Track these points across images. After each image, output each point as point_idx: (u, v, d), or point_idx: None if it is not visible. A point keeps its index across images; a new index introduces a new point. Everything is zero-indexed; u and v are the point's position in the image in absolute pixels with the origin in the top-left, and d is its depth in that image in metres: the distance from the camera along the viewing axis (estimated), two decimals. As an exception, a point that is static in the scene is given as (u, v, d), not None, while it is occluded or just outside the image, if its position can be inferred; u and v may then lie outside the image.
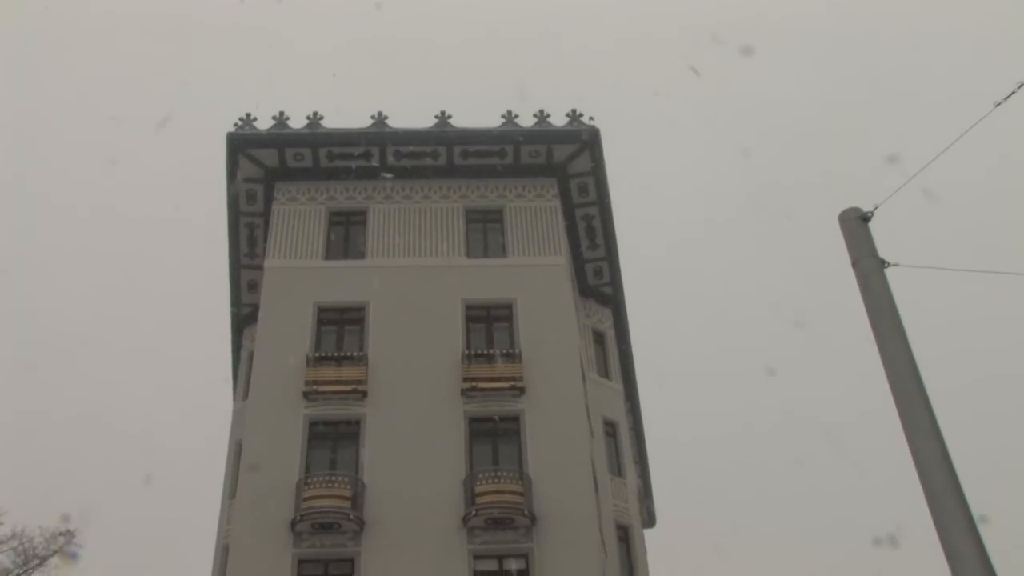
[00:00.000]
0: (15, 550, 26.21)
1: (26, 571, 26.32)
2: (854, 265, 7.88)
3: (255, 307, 29.13)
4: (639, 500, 32.22)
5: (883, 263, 7.76)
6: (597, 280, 32.60)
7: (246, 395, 27.69)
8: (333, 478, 24.16)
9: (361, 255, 28.67)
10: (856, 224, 8.05)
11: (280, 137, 29.32)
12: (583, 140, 29.82)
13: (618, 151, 47.06)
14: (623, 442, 30.72)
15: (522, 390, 25.66)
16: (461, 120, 29.85)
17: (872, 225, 8.05)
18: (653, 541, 34.08)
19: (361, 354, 26.36)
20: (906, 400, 6.96)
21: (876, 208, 8.07)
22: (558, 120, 30.10)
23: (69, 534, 26.92)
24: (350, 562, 23.33)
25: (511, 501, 23.56)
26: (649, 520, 36.98)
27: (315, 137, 29.28)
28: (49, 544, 26.62)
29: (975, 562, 6.16)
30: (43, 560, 26.41)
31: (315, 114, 29.76)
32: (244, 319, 31.25)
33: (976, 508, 6.43)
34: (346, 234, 29.30)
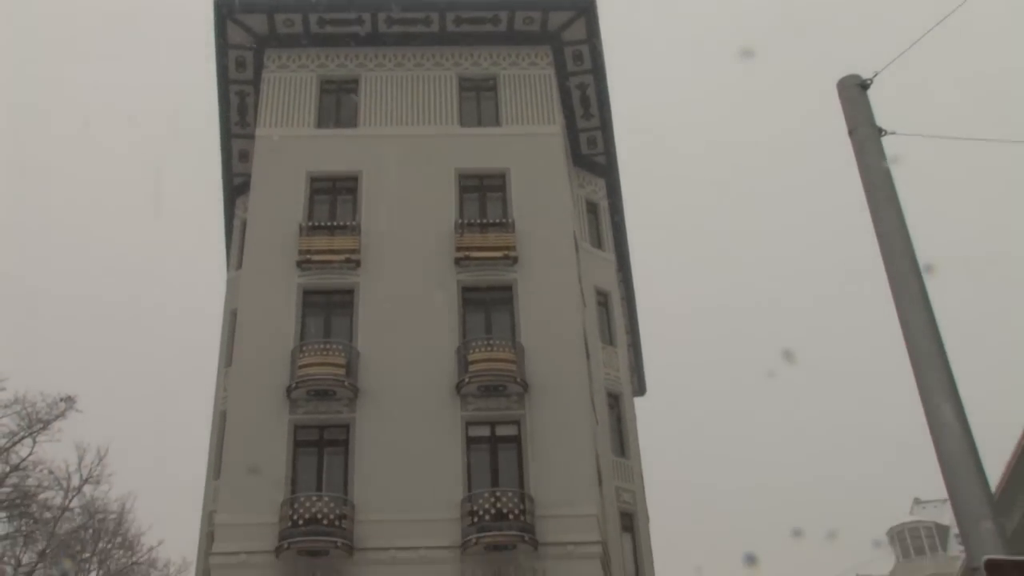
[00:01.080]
0: (19, 414, 26.72)
1: (31, 434, 26.87)
2: (851, 133, 7.80)
3: (247, 177, 28.93)
4: (630, 369, 32.75)
5: (880, 131, 7.69)
6: (591, 150, 32.35)
7: (239, 264, 27.78)
8: (327, 346, 24.43)
9: (353, 124, 28.35)
10: (855, 91, 7.93)
11: (270, 2, 28.61)
12: (579, 7, 29.16)
13: (612, 14, 46.07)
14: (615, 312, 31.03)
15: (515, 259, 25.74)
16: (454, -15, 29.11)
17: (871, 93, 7.94)
18: (643, 409, 34.81)
19: (354, 223, 26.33)
20: (897, 271, 6.98)
21: (875, 76, 7.94)
22: (553, -14, 29.36)
23: (70, 400, 27.39)
24: (345, 428, 23.80)
25: (503, 369, 23.90)
26: (639, 388, 37.67)
27: (306, 2, 28.58)
28: (51, 409, 27.12)
29: (956, 427, 6.27)
30: (46, 424, 26.95)
31: (304, -22, 28.97)
32: (236, 189, 31.10)
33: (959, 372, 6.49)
34: (338, 103, 28.91)
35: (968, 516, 6.17)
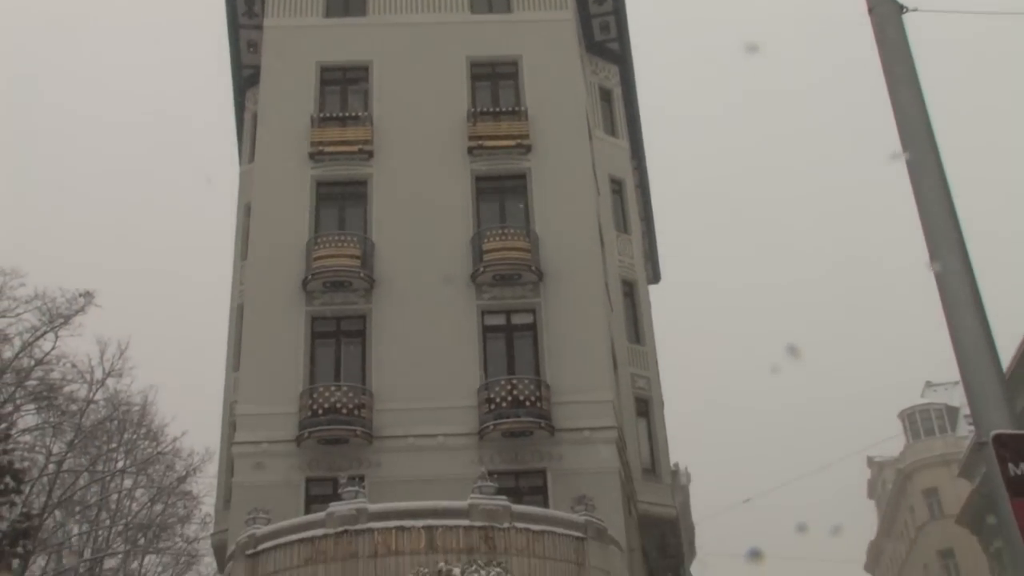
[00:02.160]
0: (39, 310, 27.04)
1: (52, 329, 27.23)
2: (870, 12, 7.60)
3: (256, 68, 28.57)
4: (644, 257, 32.77)
5: (901, 8, 7.49)
6: (604, 36, 31.75)
7: (252, 157, 27.67)
8: (342, 237, 24.49)
9: (362, 12, 27.83)
10: (874, -34, 7.68)
11: None
12: None
13: None
14: (629, 199, 30.90)
15: (528, 148, 25.54)
16: None
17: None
18: (657, 297, 34.95)
19: (365, 114, 26.09)
20: (916, 151, 6.89)
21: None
22: None
23: (89, 295, 27.65)
24: (361, 319, 24.02)
25: (518, 258, 23.95)
26: (654, 276, 37.74)
27: None
28: (71, 304, 27.42)
29: (970, 303, 6.29)
30: (67, 319, 27.29)
31: None
32: (246, 81, 30.73)
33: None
34: (346, -10, 28.32)
35: (979, 393, 6.21)
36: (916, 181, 6.83)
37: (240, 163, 29.97)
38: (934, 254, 6.50)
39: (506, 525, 18.57)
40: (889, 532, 69.40)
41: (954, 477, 52.38)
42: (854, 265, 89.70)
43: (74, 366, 28.48)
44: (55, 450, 29.13)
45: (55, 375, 28.31)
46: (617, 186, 30.46)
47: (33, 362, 27.64)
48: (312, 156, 25.40)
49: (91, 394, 29.32)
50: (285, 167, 25.47)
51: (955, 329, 6.29)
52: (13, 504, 22.24)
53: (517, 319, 24.12)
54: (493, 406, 22.46)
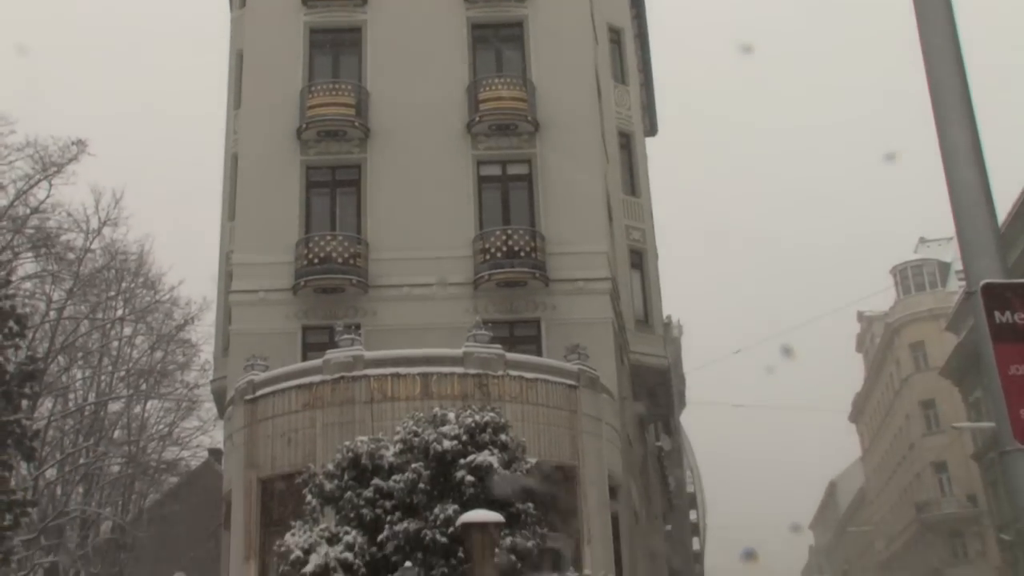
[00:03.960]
0: (32, 158, 26.78)
1: (46, 177, 27.05)
2: None
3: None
4: (642, 108, 32.39)
5: None
6: None
7: (243, 2, 26.98)
8: (336, 86, 24.15)
9: None
10: None
11: None
12: None
13: None
14: (627, 50, 30.33)
15: (525, -6, 24.91)
16: None
17: None
18: (654, 149, 34.73)
19: (358, -42, 25.32)
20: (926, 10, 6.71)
21: None
22: None
23: (82, 143, 27.33)
24: (356, 168, 23.92)
25: (514, 107, 23.70)
26: (651, 129, 37.38)
27: None
28: (64, 153, 27.14)
29: (970, 155, 6.28)
30: (60, 167, 27.06)
31: None
32: (234, -80, 29.67)
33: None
34: None
35: (972, 243, 6.25)
36: (924, 30, 6.70)
37: (231, 8, 29.23)
38: (936, 103, 6.45)
39: (500, 373, 18.97)
40: (875, 384, 70.99)
41: (941, 331, 53.27)
42: (858, 119, 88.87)
43: (70, 215, 28.42)
44: (55, 297, 29.38)
45: (51, 224, 28.27)
46: (616, 36, 29.84)
47: (29, 210, 27.56)
48: (304, 2, 24.80)
49: (87, 243, 29.37)
50: (277, 13, 24.90)
51: (953, 180, 6.30)
52: (18, 347, 22.65)
53: (513, 169, 24.03)
54: (488, 256, 22.61)
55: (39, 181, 27.32)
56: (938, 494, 57.35)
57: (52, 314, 29.06)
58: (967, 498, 54.66)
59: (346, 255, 22.69)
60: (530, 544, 12.41)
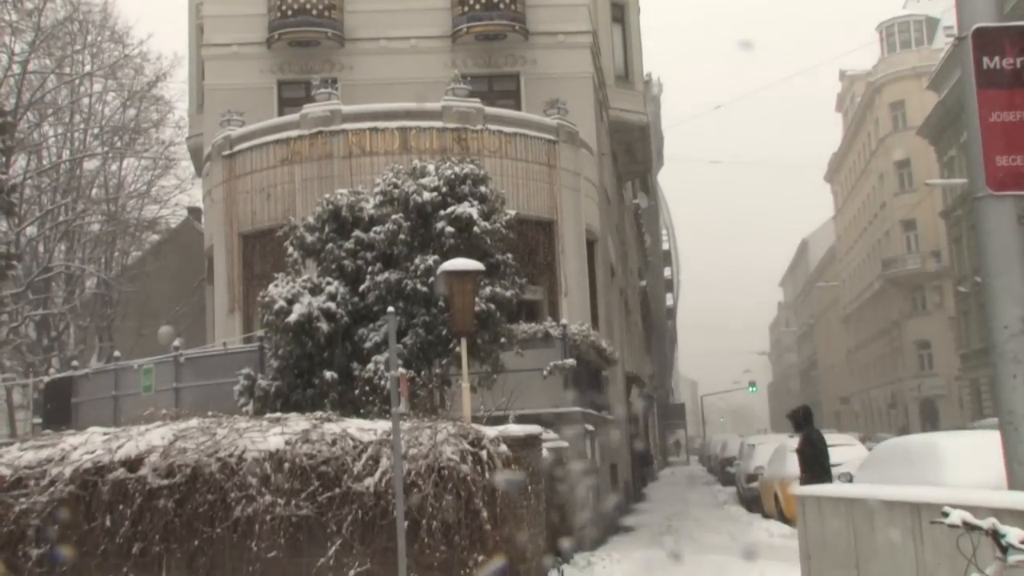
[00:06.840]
0: None
1: None
2: None
3: None
4: None
5: None
6: None
7: None
8: None
9: None
10: None
11: None
12: None
13: None
14: None
15: None
16: None
17: None
18: None
19: None
20: None
21: None
22: None
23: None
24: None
25: None
26: None
27: None
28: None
29: None
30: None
31: None
32: None
33: None
34: None
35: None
36: None
37: None
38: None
39: (479, 127, 18.83)
40: (852, 144, 71.20)
41: (923, 90, 52.98)
42: None
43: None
44: (17, 50, 28.42)
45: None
46: None
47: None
48: None
49: (45, -10, 28.12)
50: None
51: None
52: (-20, 99, 22.18)
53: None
54: (467, 8, 21.96)
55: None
56: (905, 251, 58.81)
57: (16, 68, 28.23)
58: (932, 254, 56.14)
59: (321, 6, 21.96)
60: (509, 293, 12.68)
